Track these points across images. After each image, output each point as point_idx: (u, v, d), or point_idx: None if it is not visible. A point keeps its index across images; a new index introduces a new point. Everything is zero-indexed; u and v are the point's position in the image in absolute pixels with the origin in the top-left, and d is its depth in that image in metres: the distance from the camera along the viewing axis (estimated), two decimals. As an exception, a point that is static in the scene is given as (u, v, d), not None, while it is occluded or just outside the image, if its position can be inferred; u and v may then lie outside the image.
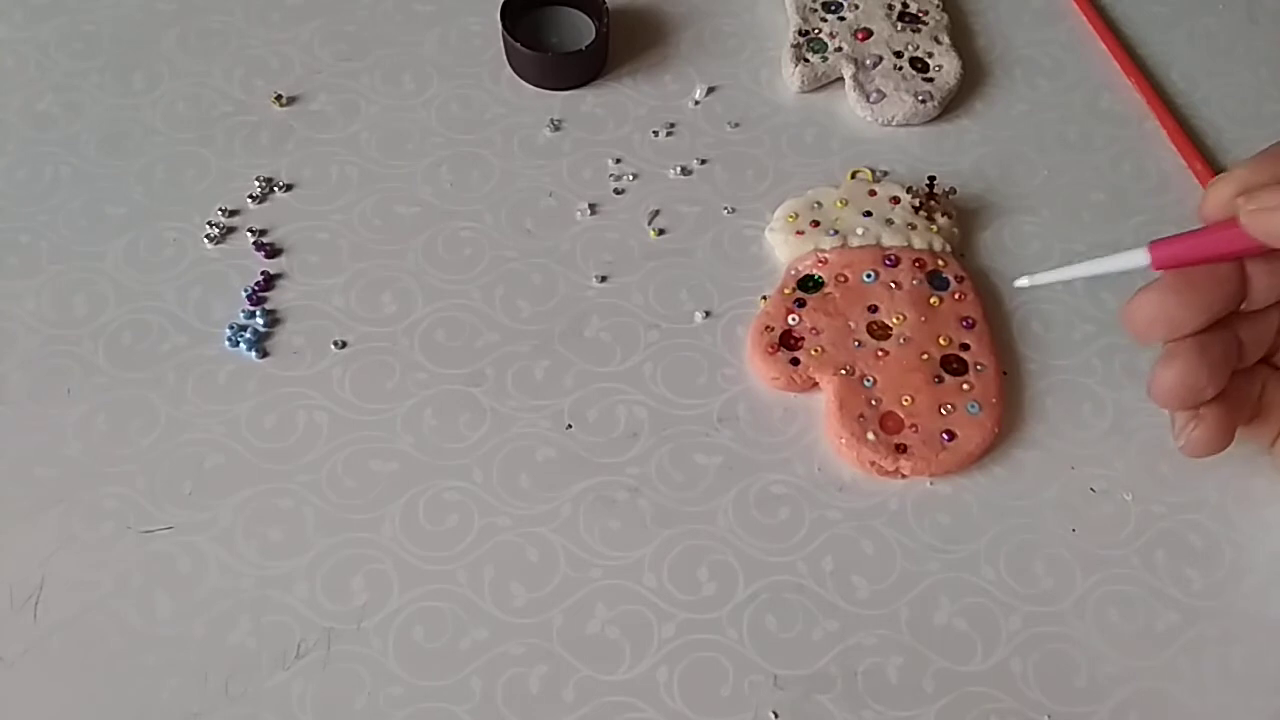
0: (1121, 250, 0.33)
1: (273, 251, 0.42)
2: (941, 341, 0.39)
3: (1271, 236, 0.31)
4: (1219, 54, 0.49)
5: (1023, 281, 0.35)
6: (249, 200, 0.43)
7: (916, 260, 0.41)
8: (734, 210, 0.44)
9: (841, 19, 0.48)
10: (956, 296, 0.40)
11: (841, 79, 0.47)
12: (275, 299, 0.41)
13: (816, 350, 0.39)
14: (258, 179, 0.43)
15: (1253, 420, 0.36)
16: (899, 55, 0.47)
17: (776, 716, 0.34)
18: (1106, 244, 0.43)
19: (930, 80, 0.46)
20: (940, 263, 0.41)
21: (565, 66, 0.46)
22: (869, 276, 0.41)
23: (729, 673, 0.34)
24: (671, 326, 0.41)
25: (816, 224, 0.42)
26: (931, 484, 0.38)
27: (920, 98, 0.45)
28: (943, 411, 0.38)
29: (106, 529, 0.36)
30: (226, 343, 0.40)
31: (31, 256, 0.41)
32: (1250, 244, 0.31)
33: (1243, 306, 0.34)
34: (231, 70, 0.47)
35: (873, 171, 0.44)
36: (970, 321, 0.40)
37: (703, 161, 0.45)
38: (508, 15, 0.46)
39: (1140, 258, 0.33)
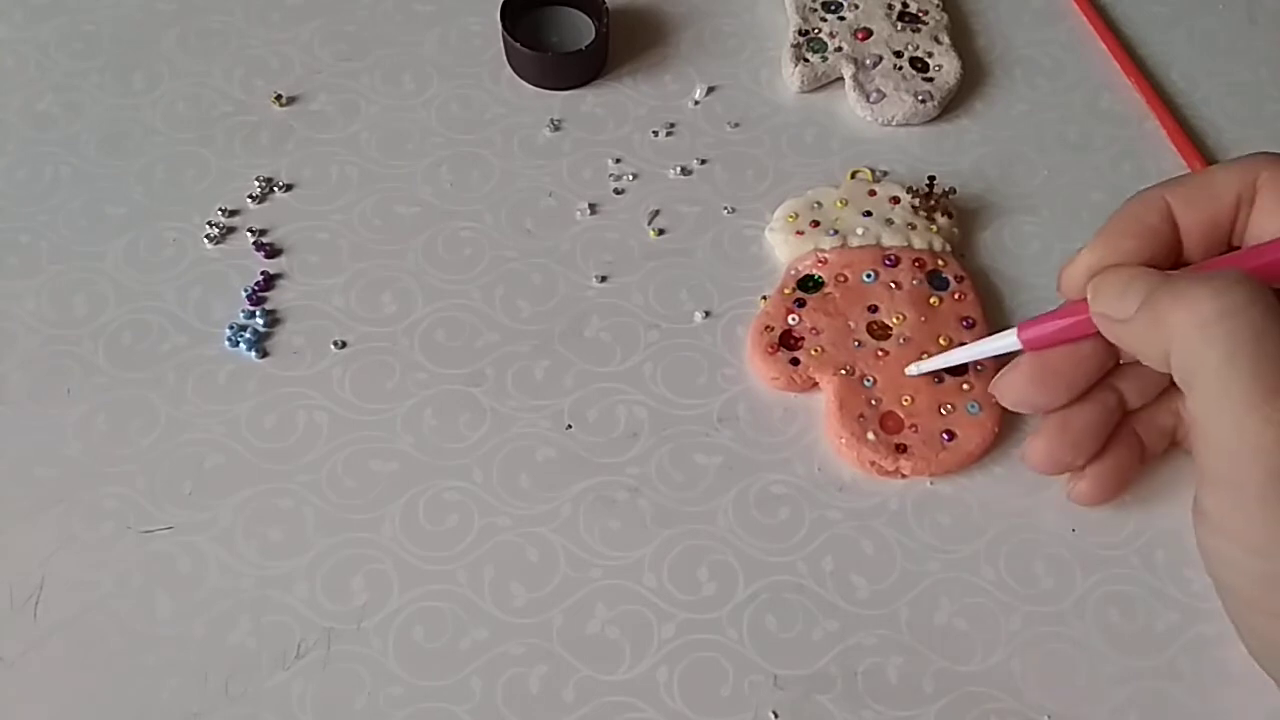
0: (998, 330, 0.36)
1: (273, 251, 0.42)
2: (941, 341, 0.39)
3: (1118, 342, 0.32)
4: (1219, 54, 0.49)
5: (911, 370, 0.38)
6: (249, 200, 0.43)
7: (916, 260, 0.41)
8: (734, 210, 0.44)
9: (841, 19, 0.48)
10: (956, 296, 0.40)
11: (841, 79, 0.47)
12: (275, 299, 0.41)
13: (816, 350, 0.39)
14: (258, 179, 0.43)
15: (1167, 450, 0.37)
16: (899, 55, 0.47)
17: (776, 716, 0.34)
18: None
19: (930, 80, 0.46)
20: (940, 263, 0.41)
21: (565, 66, 0.46)
22: (869, 276, 0.41)
23: (729, 673, 0.34)
24: (671, 326, 0.41)
25: (816, 224, 0.42)
26: (931, 484, 0.38)
27: (920, 98, 0.45)
28: (943, 411, 0.38)
29: (106, 529, 0.36)
30: (226, 343, 0.40)
31: (31, 256, 0.41)
32: None
33: (1122, 359, 0.35)
34: (231, 70, 0.47)
35: (873, 171, 0.44)
36: (970, 321, 0.40)
37: (703, 161, 0.45)
38: (508, 15, 0.46)
39: (1012, 340, 0.35)
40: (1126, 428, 0.36)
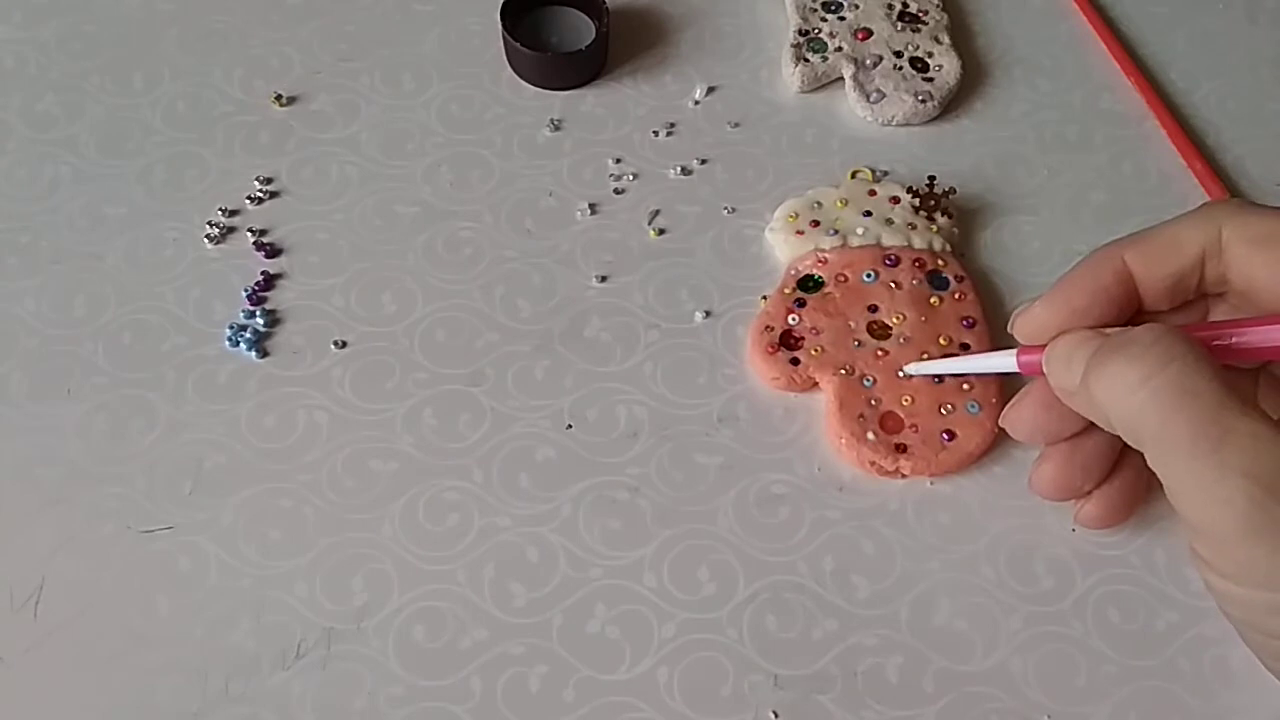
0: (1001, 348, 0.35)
1: (273, 251, 0.42)
2: (941, 341, 0.39)
3: (1078, 411, 0.31)
4: (1219, 54, 0.49)
5: (909, 369, 0.38)
6: (249, 200, 0.43)
7: (916, 260, 0.41)
8: (734, 210, 0.43)
9: (841, 19, 0.48)
10: (956, 296, 0.40)
11: (841, 79, 0.47)
12: (275, 299, 0.41)
13: (816, 350, 0.39)
14: (258, 179, 0.43)
15: None
16: (899, 55, 0.47)
17: (776, 716, 0.34)
18: (1106, 244, 0.43)
19: (930, 80, 0.46)
20: (940, 262, 0.41)
21: (565, 66, 0.46)
22: (869, 276, 0.41)
23: (729, 673, 0.34)
24: (671, 326, 0.41)
25: (816, 224, 0.42)
26: (931, 484, 0.38)
27: (920, 98, 0.45)
28: (943, 411, 0.38)
29: (106, 529, 0.36)
30: (226, 343, 0.40)
31: (31, 256, 0.41)
32: None
33: None
34: (231, 70, 0.47)
35: (873, 171, 0.44)
36: (970, 321, 0.40)
37: (703, 161, 0.45)
38: (508, 15, 0.46)
39: (1010, 362, 0.34)
40: (1132, 451, 0.35)
